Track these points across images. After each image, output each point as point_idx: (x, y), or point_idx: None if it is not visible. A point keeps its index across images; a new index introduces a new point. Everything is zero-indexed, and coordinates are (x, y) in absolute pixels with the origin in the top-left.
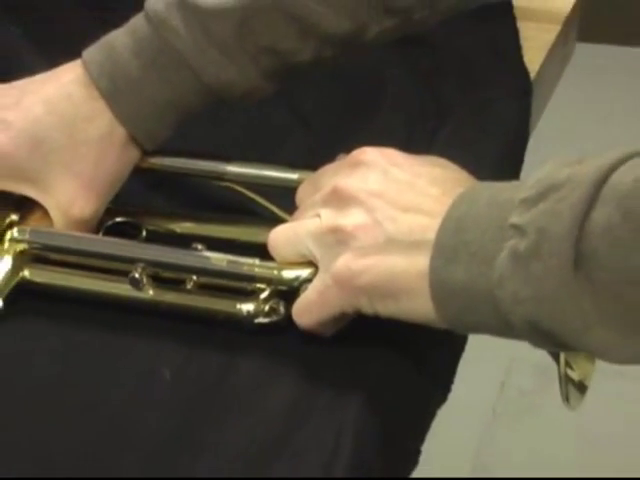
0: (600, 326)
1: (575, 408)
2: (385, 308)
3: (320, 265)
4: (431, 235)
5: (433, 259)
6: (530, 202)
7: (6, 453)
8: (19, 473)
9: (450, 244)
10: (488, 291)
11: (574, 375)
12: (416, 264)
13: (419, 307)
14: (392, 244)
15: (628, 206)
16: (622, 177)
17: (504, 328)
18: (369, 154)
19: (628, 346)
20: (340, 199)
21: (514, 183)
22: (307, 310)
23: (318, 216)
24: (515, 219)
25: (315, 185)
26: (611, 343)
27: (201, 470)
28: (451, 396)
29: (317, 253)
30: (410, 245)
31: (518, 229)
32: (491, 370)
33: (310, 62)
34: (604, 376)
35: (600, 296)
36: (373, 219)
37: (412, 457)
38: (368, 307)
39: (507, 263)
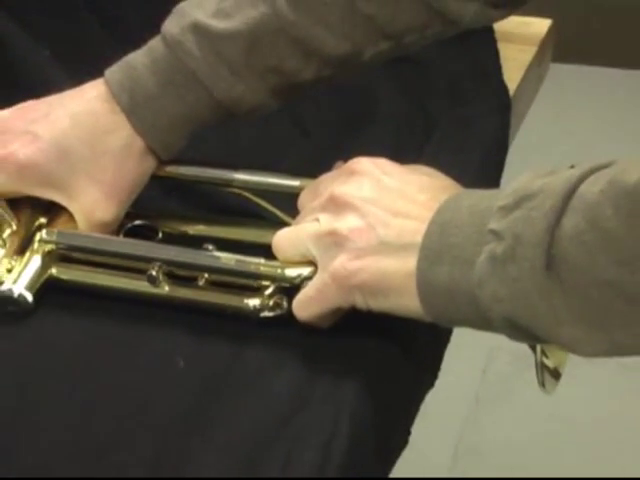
0: (569, 323)
1: (550, 393)
2: (377, 304)
3: (319, 264)
4: (419, 238)
5: (419, 261)
6: (507, 209)
7: (39, 428)
8: (45, 450)
9: (435, 247)
10: (469, 291)
11: (549, 363)
12: (405, 265)
13: (407, 304)
14: (384, 246)
15: (594, 215)
16: (589, 188)
17: (484, 323)
18: (363, 164)
19: (595, 341)
20: (337, 205)
21: (494, 192)
22: (306, 305)
23: (317, 220)
24: (493, 225)
25: (315, 192)
26: (580, 338)
27: (211, 446)
28: (438, 380)
29: (316, 254)
30: (400, 247)
31: (496, 234)
32: (473, 358)
33: (312, 81)
34: (576, 362)
35: (569, 296)
36: (367, 223)
37: (403, 437)
38: (362, 303)
39: (486, 265)
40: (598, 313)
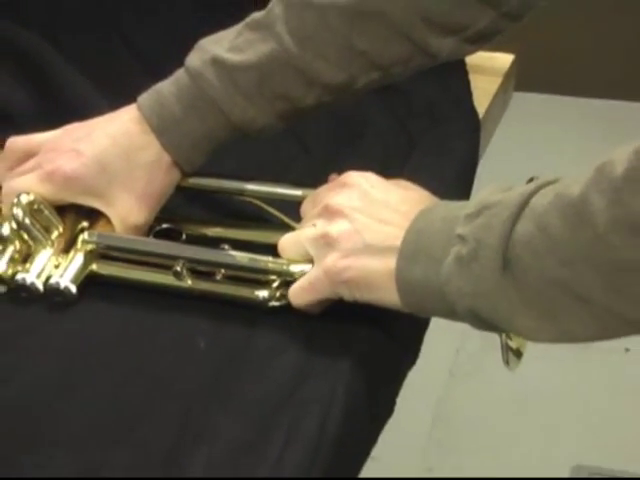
0: (523, 314)
1: (513, 369)
2: (361, 296)
3: (315, 262)
4: (398, 242)
5: (398, 261)
6: (471, 217)
7: (83, 398)
8: (85, 419)
9: (411, 250)
10: (438, 286)
11: (513, 344)
12: (386, 265)
13: (387, 297)
14: (369, 248)
15: (542, 223)
16: (539, 200)
17: (451, 314)
18: (353, 177)
19: (545, 330)
20: (330, 213)
21: (462, 203)
22: (300, 293)
23: (314, 226)
24: (459, 230)
25: (314, 201)
26: (532, 327)
27: (228, 414)
28: (418, 360)
29: (313, 253)
30: (382, 249)
31: (461, 238)
32: (448, 340)
33: (314, 106)
34: (536, 344)
35: (522, 291)
36: (354, 228)
37: (389, 406)
38: (348, 295)
39: (452, 265)
40: (547, 306)
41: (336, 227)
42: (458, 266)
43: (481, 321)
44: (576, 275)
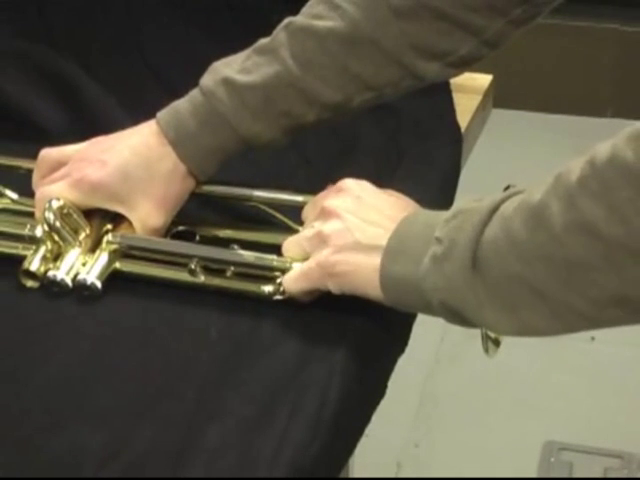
0: (489, 308)
1: (492, 357)
2: (348, 289)
3: (311, 256)
4: (384, 242)
5: (383, 259)
6: (447, 221)
7: (108, 380)
8: (113, 397)
9: (394, 249)
10: (416, 283)
11: (491, 334)
12: (373, 262)
13: (372, 291)
14: (358, 246)
15: (507, 226)
16: (507, 206)
17: (427, 309)
18: (348, 183)
19: (509, 322)
20: (325, 214)
21: (441, 212)
22: (294, 280)
23: (313, 227)
24: (437, 233)
25: (314, 206)
26: (497, 320)
27: (238, 395)
28: (407, 347)
29: (309, 249)
30: (371, 248)
31: (438, 239)
32: (434, 329)
33: (314, 122)
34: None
35: (488, 287)
36: (346, 227)
37: (381, 389)
38: (336, 288)
39: (429, 263)
40: (509, 300)
41: (329, 226)
42: (433, 264)
43: (453, 314)
44: (533, 272)
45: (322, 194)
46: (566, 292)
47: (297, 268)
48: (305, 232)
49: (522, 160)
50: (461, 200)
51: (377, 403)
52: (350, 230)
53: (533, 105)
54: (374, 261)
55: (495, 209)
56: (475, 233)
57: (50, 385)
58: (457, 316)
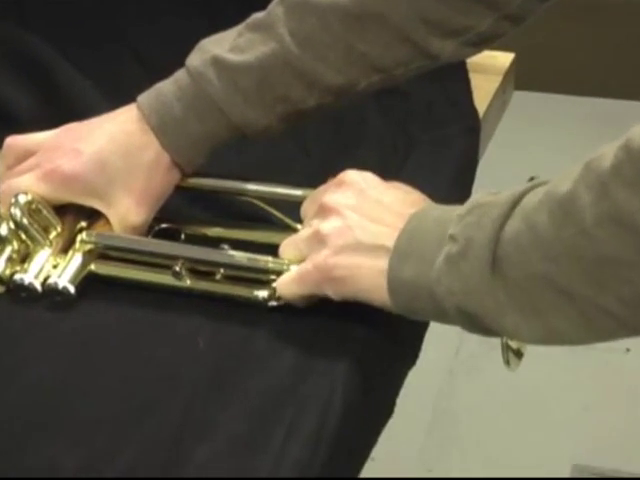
0: (511, 312)
1: (514, 370)
2: (350, 295)
3: (307, 258)
4: (390, 242)
5: (391, 260)
6: (462, 216)
7: (86, 393)
8: (97, 409)
9: (404, 249)
10: (429, 286)
11: (513, 344)
12: (377, 264)
13: (377, 296)
14: (360, 246)
15: (531, 220)
16: (530, 199)
17: (440, 315)
18: (351, 176)
19: (533, 329)
20: (325, 211)
21: (455, 207)
22: (288, 284)
23: (311, 225)
24: (451, 230)
25: (313, 201)
26: (521, 327)
27: (228, 412)
28: (418, 359)
29: (306, 250)
30: (374, 248)
31: (452, 237)
32: (449, 339)
33: (314, 108)
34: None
35: (510, 289)
36: (346, 225)
37: (389, 407)
38: (336, 293)
39: (443, 264)
40: (534, 303)
41: (328, 224)
42: (448, 265)
43: (470, 321)
44: (561, 271)
45: (322, 188)
46: (597, 293)
47: (292, 271)
48: (302, 232)
49: (548, 149)
50: (481, 192)
51: (385, 422)
52: (351, 228)
53: (560, 87)
54: (378, 263)
55: (516, 202)
56: (494, 229)
57: (23, 399)
58: (475, 323)
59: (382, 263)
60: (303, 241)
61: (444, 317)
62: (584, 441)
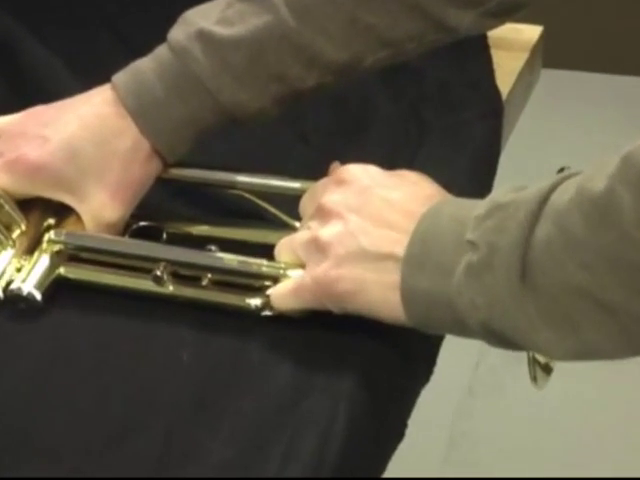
0: (543, 328)
1: (542, 388)
2: (357, 310)
3: (306, 267)
4: (399, 249)
5: (403, 269)
6: (480, 219)
7: (54, 420)
8: (66, 436)
9: (417, 256)
10: (449, 299)
11: (541, 358)
12: (385, 276)
13: (389, 311)
14: (364, 255)
15: (563, 222)
16: (559, 196)
17: (462, 330)
18: (351, 172)
19: (567, 346)
20: (324, 213)
21: (474, 201)
22: (283, 297)
23: (309, 228)
24: (469, 235)
25: (313, 197)
26: (553, 343)
27: (217, 434)
28: (433, 374)
29: (304, 258)
30: (380, 257)
31: (472, 244)
32: (467, 352)
33: (313, 88)
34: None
35: (542, 302)
36: (348, 231)
37: (399, 429)
38: (339, 309)
39: (464, 275)
40: (569, 317)
41: (328, 230)
42: (469, 276)
43: (495, 336)
44: (598, 279)
45: (322, 182)
46: (637, 303)
47: (288, 281)
48: (300, 234)
49: (581, 135)
50: (501, 188)
51: (395, 446)
52: (354, 235)
53: (594, 64)
54: (387, 275)
55: (544, 200)
56: (522, 234)
57: None
58: (501, 339)
59: (391, 275)
60: (300, 246)
61: (465, 332)
62: (619, 467)
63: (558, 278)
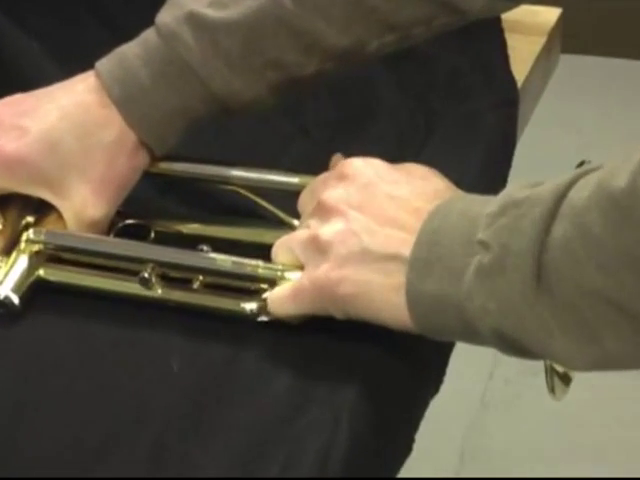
0: (560, 336)
1: (560, 399)
2: (359, 315)
3: (305, 269)
4: (405, 250)
5: (409, 271)
6: (492, 217)
7: (34, 433)
8: (47, 449)
9: (424, 257)
10: (458, 303)
11: (559, 367)
12: (391, 278)
13: (393, 316)
14: (368, 255)
15: (581, 221)
16: (578, 193)
17: (473, 337)
18: (354, 167)
19: (586, 355)
20: (324, 211)
21: (486, 198)
22: (280, 302)
23: (308, 227)
24: (481, 235)
25: (312, 194)
26: (571, 352)
27: (209, 450)
28: (443, 385)
29: (302, 259)
30: (385, 258)
31: (483, 244)
32: (480, 361)
33: (313, 75)
34: None
35: (559, 307)
36: (350, 230)
37: (406, 444)
38: (340, 313)
39: (474, 278)
40: (588, 324)
41: (329, 228)
42: (480, 279)
43: (508, 344)
44: (618, 283)
45: (323, 177)
46: None
47: (286, 285)
48: (298, 233)
49: (602, 125)
50: (516, 183)
51: (401, 461)
52: (356, 234)
53: (616, 49)
54: (392, 277)
55: (562, 197)
56: (537, 234)
57: None
58: (515, 346)
59: (396, 277)
60: (299, 245)
61: (476, 338)
62: None
63: (576, 281)
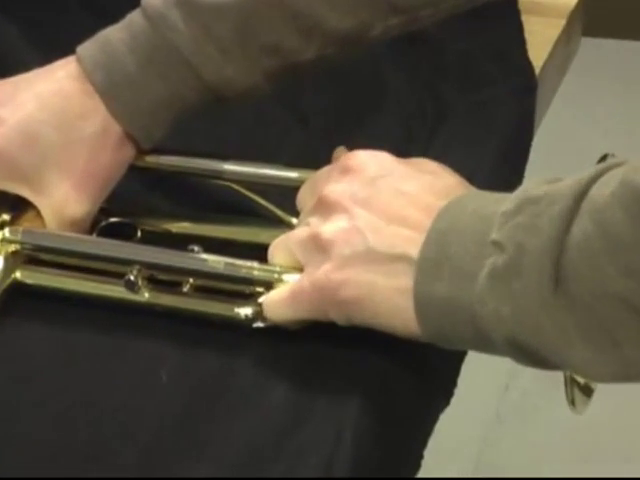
0: (578, 343)
1: (581, 412)
2: (363, 320)
3: (304, 270)
4: (413, 250)
5: (417, 274)
6: (507, 216)
7: (10, 448)
8: (23, 466)
9: (434, 258)
10: (469, 308)
11: (580, 378)
12: (397, 281)
13: (400, 322)
14: (372, 255)
15: (603, 220)
16: (600, 190)
17: (485, 345)
18: (359, 159)
19: (607, 363)
20: (326, 207)
21: (500, 195)
22: (277, 306)
23: (308, 224)
24: (495, 235)
25: (313, 189)
26: (591, 360)
27: (203, 465)
28: (455, 397)
29: (302, 259)
30: (391, 258)
31: (497, 245)
32: (495, 373)
33: (312, 61)
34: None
35: (578, 312)
36: (354, 227)
37: (414, 461)
38: (342, 319)
39: (487, 281)
40: (607, 330)
41: (331, 225)
42: (493, 282)
43: (523, 352)
44: None
45: (324, 171)
46: None
47: (284, 287)
48: (297, 231)
49: (626, 115)
50: (533, 179)
51: (409, 478)
52: (361, 232)
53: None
54: (399, 279)
55: (582, 194)
56: (556, 233)
57: None
58: (530, 356)
59: (404, 279)
60: (298, 245)
61: (489, 347)
62: None
63: (597, 285)
